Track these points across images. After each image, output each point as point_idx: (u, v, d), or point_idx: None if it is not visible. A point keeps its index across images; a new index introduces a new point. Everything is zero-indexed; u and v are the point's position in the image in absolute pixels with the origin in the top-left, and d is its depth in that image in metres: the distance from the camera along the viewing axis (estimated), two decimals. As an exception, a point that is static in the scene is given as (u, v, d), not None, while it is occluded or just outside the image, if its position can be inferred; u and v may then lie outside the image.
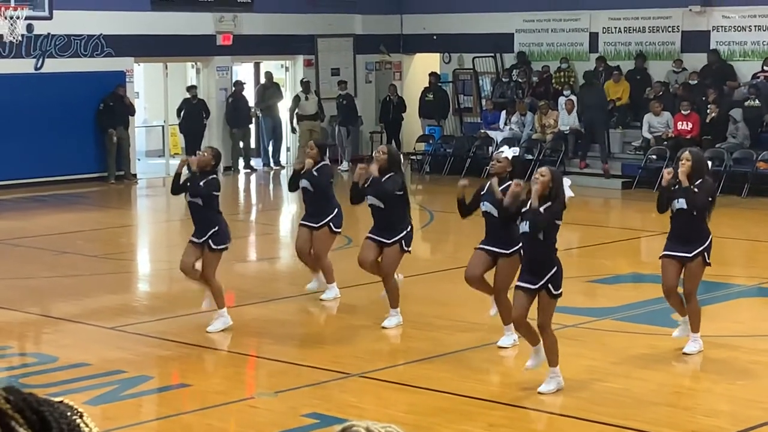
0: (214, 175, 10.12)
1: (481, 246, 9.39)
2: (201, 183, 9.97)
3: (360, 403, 8.10)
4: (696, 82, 20.26)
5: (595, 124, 20.67)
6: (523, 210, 8.26)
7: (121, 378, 8.70)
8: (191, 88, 22.59)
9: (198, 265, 10.10)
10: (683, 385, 8.94)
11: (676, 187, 9.05)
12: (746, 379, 8.69)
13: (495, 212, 9.04)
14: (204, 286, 10.17)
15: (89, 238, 15.69)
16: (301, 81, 23.64)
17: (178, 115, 22.47)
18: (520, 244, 8.73)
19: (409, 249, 10.13)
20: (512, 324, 9.13)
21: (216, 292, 10.06)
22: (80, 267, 13.34)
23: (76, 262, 13.70)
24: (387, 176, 9.93)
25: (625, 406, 7.95)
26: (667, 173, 9.16)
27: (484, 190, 9.29)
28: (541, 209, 8.10)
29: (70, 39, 20.75)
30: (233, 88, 22.92)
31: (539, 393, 8.19)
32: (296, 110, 23.27)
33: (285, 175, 22.08)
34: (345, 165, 23.03)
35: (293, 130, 23.45)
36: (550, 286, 8.14)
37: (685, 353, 9.20)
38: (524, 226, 8.22)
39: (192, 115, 22.28)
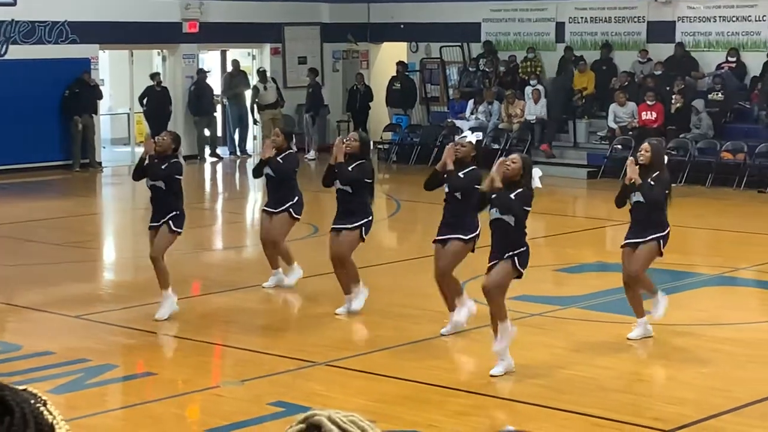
0: (176, 159, 10.08)
1: (439, 237, 9.42)
2: (162, 166, 9.96)
3: (326, 391, 8.11)
4: (661, 72, 20.37)
5: (551, 108, 20.84)
6: (493, 197, 8.34)
7: (85, 366, 8.67)
8: (155, 75, 22.44)
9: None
10: (647, 373, 9.00)
11: (632, 181, 9.20)
12: (709, 367, 8.77)
13: (459, 195, 9.14)
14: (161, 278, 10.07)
15: (54, 226, 15.59)
16: (258, 70, 23.51)
17: (141, 102, 22.33)
18: (477, 233, 9.00)
19: (365, 238, 10.17)
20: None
21: (163, 273, 10.03)
22: (45, 255, 13.25)
23: (41, 250, 13.61)
24: (357, 163, 9.99)
25: (589, 393, 8.01)
26: (631, 164, 9.26)
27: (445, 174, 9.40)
28: (512, 195, 8.20)
29: (34, 25, 20.56)
30: (196, 76, 22.80)
31: (491, 376, 8.27)
32: (256, 100, 23.19)
33: (252, 164, 21.99)
34: (312, 154, 23.00)
35: (255, 122, 23.37)
36: (516, 258, 8.24)
37: (629, 338, 9.30)
38: (495, 213, 8.30)
39: (157, 102, 22.15)
